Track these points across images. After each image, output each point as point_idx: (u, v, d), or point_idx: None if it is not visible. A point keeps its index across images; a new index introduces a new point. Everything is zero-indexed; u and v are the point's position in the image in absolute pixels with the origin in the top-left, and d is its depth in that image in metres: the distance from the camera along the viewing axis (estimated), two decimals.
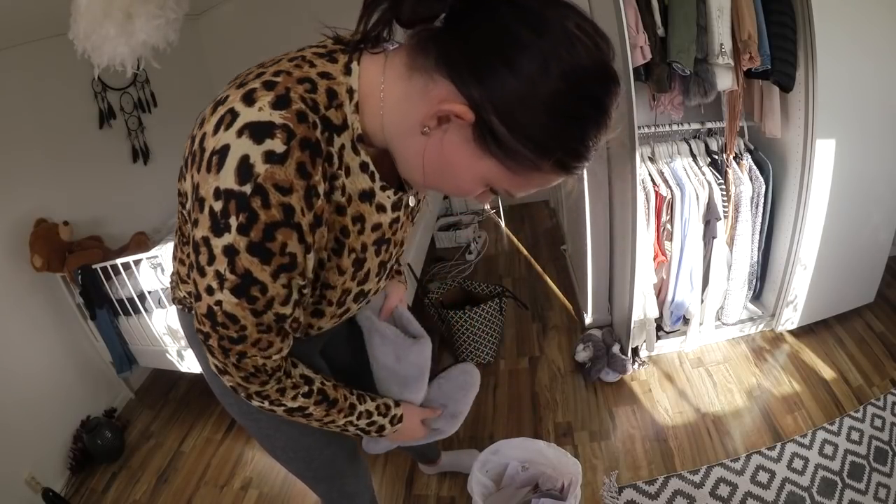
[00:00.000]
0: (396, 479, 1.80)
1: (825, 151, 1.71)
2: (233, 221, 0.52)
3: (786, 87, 1.67)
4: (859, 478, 1.48)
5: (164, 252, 1.99)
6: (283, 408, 0.73)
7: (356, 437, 0.91)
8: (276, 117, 0.51)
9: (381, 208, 0.66)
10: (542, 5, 0.50)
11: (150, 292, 2.17)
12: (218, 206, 0.52)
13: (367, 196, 0.63)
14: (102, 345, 2.30)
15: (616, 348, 2.06)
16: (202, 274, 0.57)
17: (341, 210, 0.61)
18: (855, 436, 1.61)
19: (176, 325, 2.11)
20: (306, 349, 0.90)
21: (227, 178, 0.51)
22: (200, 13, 3.55)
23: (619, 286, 2.13)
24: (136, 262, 2.09)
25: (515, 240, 3.45)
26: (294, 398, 0.73)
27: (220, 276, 0.56)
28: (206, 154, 0.53)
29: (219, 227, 0.53)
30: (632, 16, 1.58)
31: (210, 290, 0.58)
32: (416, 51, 0.55)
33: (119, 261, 2.08)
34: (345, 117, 0.58)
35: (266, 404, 0.72)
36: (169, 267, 1.98)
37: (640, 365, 2.05)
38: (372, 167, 0.62)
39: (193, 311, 0.63)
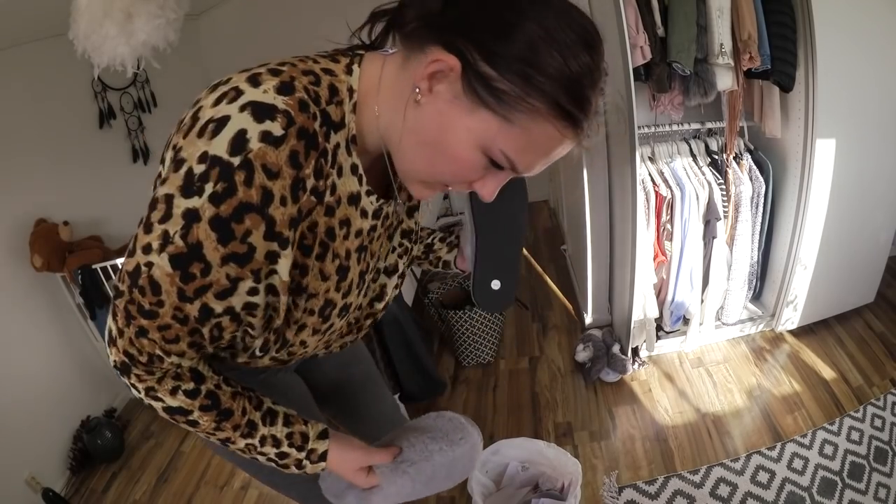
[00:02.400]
0: None
1: (825, 151, 1.71)
2: (208, 187, 0.49)
3: (786, 87, 1.67)
4: (859, 478, 1.48)
5: None
6: (161, 404, 0.62)
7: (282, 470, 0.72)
8: (280, 102, 0.50)
9: (363, 214, 0.64)
10: None
11: None
12: (199, 168, 0.49)
13: (354, 199, 0.61)
14: (102, 345, 2.29)
15: (616, 348, 2.06)
16: (147, 230, 0.52)
17: (330, 211, 0.59)
18: (855, 436, 1.61)
19: None
20: (287, 379, 0.87)
21: (219, 146, 0.49)
22: (200, 13, 3.55)
23: (619, 286, 2.13)
24: None
25: None
26: (173, 393, 0.61)
27: (166, 238, 0.51)
28: (201, 122, 0.51)
29: (190, 189, 0.49)
30: (632, 16, 1.58)
31: (147, 249, 0.52)
32: (410, 44, 0.56)
33: (119, 261, 2.08)
34: (343, 115, 0.57)
35: (141, 394, 0.61)
36: None
37: (640, 365, 2.05)
38: (361, 170, 0.61)
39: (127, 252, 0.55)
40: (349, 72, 0.59)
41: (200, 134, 0.50)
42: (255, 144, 0.48)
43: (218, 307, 0.55)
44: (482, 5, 0.51)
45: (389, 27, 0.59)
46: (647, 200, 1.82)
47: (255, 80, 0.52)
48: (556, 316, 2.53)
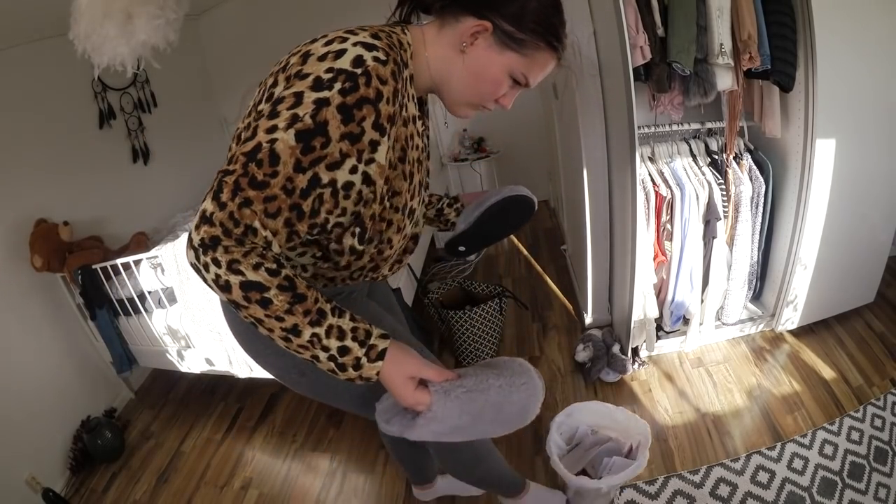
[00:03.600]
0: (397, 478, 1.80)
1: (825, 151, 1.71)
2: (336, 85, 0.67)
3: (786, 87, 1.67)
4: (859, 478, 1.48)
5: (164, 252, 1.99)
6: (240, 278, 0.65)
7: (331, 376, 0.74)
8: (377, 42, 0.72)
9: (418, 133, 0.86)
10: None
11: (150, 292, 2.17)
12: (327, 75, 0.67)
13: (413, 121, 0.84)
14: (102, 345, 2.30)
15: (616, 348, 2.06)
16: (273, 117, 0.67)
17: (405, 124, 0.80)
18: (855, 436, 1.61)
19: (176, 324, 2.11)
20: (360, 302, 1.03)
21: (343, 63, 0.68)
22: (200, 13, 3.55)
23: (618, 286, 2.13)
24: (136, 262, 2.09)
25: (515, 240, 3.45)
26: (256, 268, 0.66)
27: (295, 118, 0.66)
28: (319, 54, 0.70)
29: (321, 86, 0.67)
30: (632, 16, 1.57)
31: (272, 129, 0.66)
32: (442, 17, 0.83)
33: (119, 261, 2.08)
34: (406, 60, 0.79)
35: (222, 267, 0.65)
36: (169, 266, 1.98)
37: (640, 365, 2.05)
38: (415, 99, 0.83)
39: (228, 158, 0.69)
40: (404, 33, 0.82)
41: (322, 59, 0.69)
42: (370, 63, 0.69)
43: (325, 177, 0.69)
44: None
45: (414, 8, 0.87)
46: (647, 200, 1.82)
47: (349, 32, 0.73)
48: (556, 316, 2.53)
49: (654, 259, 1.93)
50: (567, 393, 2.02)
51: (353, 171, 0.71)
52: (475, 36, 0.80)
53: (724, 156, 1.89)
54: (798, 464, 1.55)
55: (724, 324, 2.11)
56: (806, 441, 1.61)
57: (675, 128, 1.89)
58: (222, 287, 0.67)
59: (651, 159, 1.92)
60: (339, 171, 0.70)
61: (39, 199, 2.26)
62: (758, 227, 1.95)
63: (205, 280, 0.68)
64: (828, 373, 1.87)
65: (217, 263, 0.65)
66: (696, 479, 1.56)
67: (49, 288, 2.24)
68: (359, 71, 0.68)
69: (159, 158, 3.00)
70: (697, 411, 1.82)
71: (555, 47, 0.82)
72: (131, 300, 2.16)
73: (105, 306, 2.19)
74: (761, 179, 1.86)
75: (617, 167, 1.92)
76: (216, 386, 2.50)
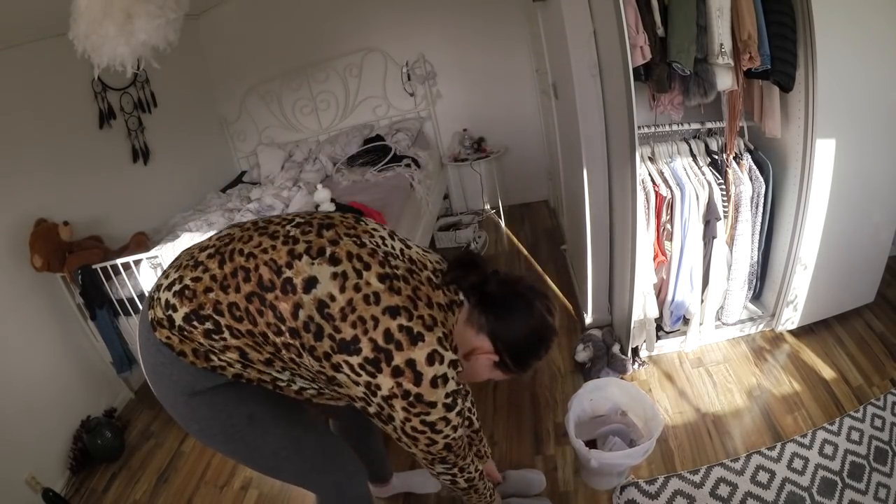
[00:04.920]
0: None
1: (825, 151, 1.71)
2: (459, 402, 0.95)
3: (786, 87, 1.67)
4: (859, 478, 1.48)
5: (164, 252, 1.99)
6: (466, 475, 1.14)
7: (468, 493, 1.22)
8: (455, 357, 0.94)
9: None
10: (529, 299, 1.02)
11: None
12: (449, 399, 0.92)
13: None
14: (102, 345, 2.30)
15: (616, 348, 2.06)
16: (441, 427, 0.94)
17: None
18: (855, 436, 1.61)
19: None
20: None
21: (451, 387, 0.92)
22: (200, 13, 3.56)
23: (619, 286, 2.13)
24: (136, 262, 2.09)
25: (515, 240, 3.45)
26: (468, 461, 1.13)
27: (447, 408, 0.92)
28: (430, 377, 0.88)
29: (436, 384, 0.90)
30: (632, 16, 1.57)
31: (446, 423, 0.94)
32: (471, 311, 1.00)
33: (119, 261, 2.08)
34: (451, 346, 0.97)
35: (457, 471, 1.11)
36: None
37: (640, 365, 2.05)
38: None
39: (434, 457, 1.02)
40: (454, 321, 0.99)
41: (434, 385, 0.89)
42: (452, 374, 0.92)
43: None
44: (514, 334, 1.01)
45: (469, 293, 1.02)
46: (647, 200, 1.82)
47: (442, 344, 0.91)
48: (555, 316, 2.53)
49: (654, 259, 1.93)
50: (567, 393, 2.01)
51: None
52: (481, 356, 1.01)
53: (724, 156, 1.89)
54: (798, 464, 1.54)
55: (724, 324, 2.11)
56: (806, 441, 1.61)
57: (675, 128, 1.89)
58: (454, 482, 1.15)
59: (651, 159, 1.92)
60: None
61: (39, 198, 2.26)
62: (758, 227, 1.95)
63: (455, 483, 1.15)
64: (828, 373, 1.87)
65: (457, 466, 1.11)
66: (696, 479, 1.56)
67: (49, 288, 2.24)
68: (452, 373, 0.92)
69: (159, 158, 3.00)
70: (697, 411, 1.82)
71: (532, 369, 1.07)
72: (131, 300, 2.16)
73: (105, 306, 2.19)
74: (761, 179, 1.86)
75: (617, 167, 1.92)
76: None
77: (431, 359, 0.87)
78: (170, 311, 0.92)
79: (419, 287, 0.93)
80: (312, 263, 0.87)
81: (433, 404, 0.89)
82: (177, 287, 0.92)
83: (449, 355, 0.90)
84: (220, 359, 0.93)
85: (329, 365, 0.88)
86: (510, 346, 1.00)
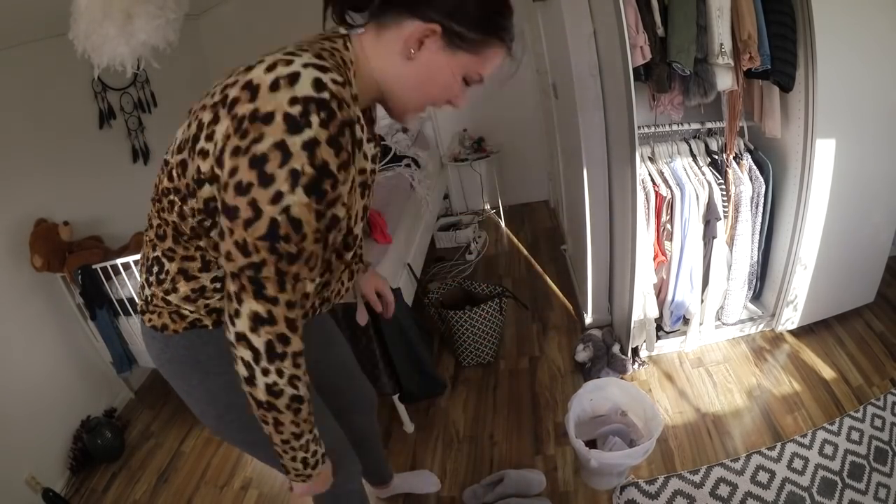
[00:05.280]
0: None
1: (825, 151, 1.71)
2: (314, 119, 0.61)
3: (786, 87, 1.67)
4: (859, 478, 1.48)
5: None
6: (293, 391, 0.72)
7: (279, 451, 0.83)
8: (326, 63, 0.66)
9: (365, 157, 0.78)
10: None
11: None
12: (295, 109, 0.61)
13: (360, 145, 0.76)
14: (102, 345, 2.30)
15: (616, 348, 2.06)
16: (267, 184, 0.61)
17: (359, 147, 0.75)
18: (855, 436, 1.61)
19: None
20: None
21: (304, 89, 0.61)
22: (200, 13, 3.55)
23: (619, 286, 2.13)
24: (136, 262, 2.09)
25: (515, 240, 3.45)
26: (305, 384, 0.74)
27: (294, 175, 0.62)
28: (269, 82, 0.62)
29: (298, 126, 0.61)
30: (632, 16, 1.57)
31: (277, 198, 0.62)
32: (379, 21, 0.74)
33: (119, 261, 2.08)
34: (351, 79, 0.73)
35: (283, 380, 0.70)
36: None
37: (640, 365, 2.05)
38: (362, 120, 0.75)
39: (236, 244, 0.64)
40: (346, 48, 0.75)
41: (275, 88, 0.62)
42: (332, 86, 0.64)
43: (341, 212, 0.72)
44: None
45: (345, 7, 0.75)
46: (647, 200, 1.82)
47: (292, 54, 0.66)
48: (556, 316, 2.53)
49: (654, 259, 1.93)
50: (567, 393, 2.01)
51: (342, 201, 0.71)
52: (422, 41, 0.73)
53: (724, 156, 1.89)
54: (798, 464, 1.55)
55: (724, 324, 2.11)
56: (806, 441, 1.61)
57: (675, 128, 1.89)
58: (274, 393, 0.71)
59: (651, 159, 1.92)
60: (338, 205, 0.70)
61: (39, 198, 2.26)
62: (758, 227, 1.95)
63: (252, 382, 0.70)
64: (828, 373, 1.87)
65: (280, 374, 0.70)
66: (696, 479, 1.56)
67: (49, 288, 2.24)
68: (325, 96, 0.62)
69: (159, 158, 2.99)
70: (697, 411, 1.82)
71: (505, 39, 0.78)
72: (131, 300, 2.16)
73: (105, 306, 2.19)
74: (761, 179, 1.86)
75: (617, 167, 1.92)
76: None
77: (273, 67, 0.64)
78: (141, 291, 0.91)
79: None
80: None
81: (269, 118, 0.61)
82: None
83: (302, 60, 0.64)
84: (185, 305, 0.86)
85: (193, 182, 0.71)
86: (447, 6, 0.71)
